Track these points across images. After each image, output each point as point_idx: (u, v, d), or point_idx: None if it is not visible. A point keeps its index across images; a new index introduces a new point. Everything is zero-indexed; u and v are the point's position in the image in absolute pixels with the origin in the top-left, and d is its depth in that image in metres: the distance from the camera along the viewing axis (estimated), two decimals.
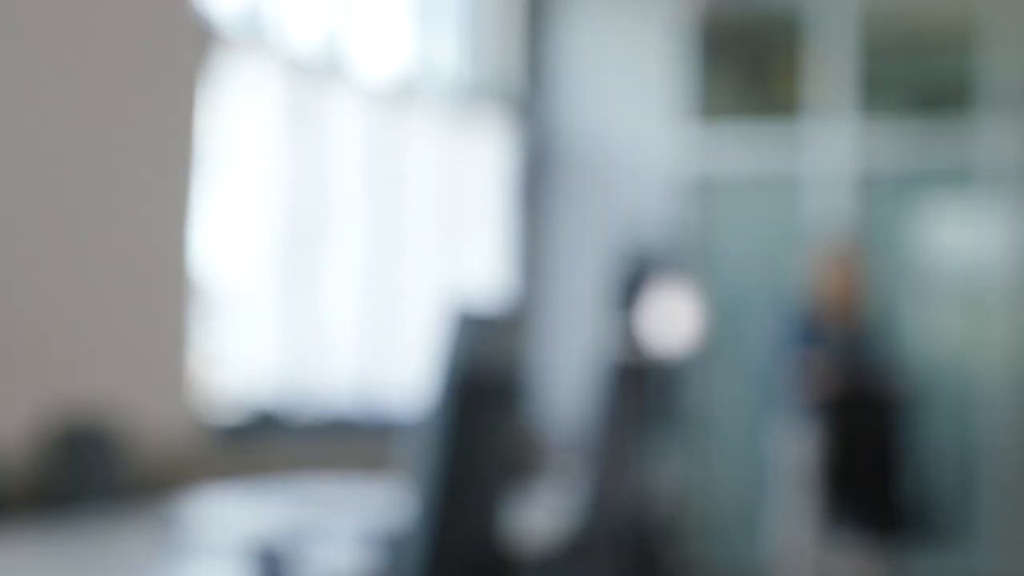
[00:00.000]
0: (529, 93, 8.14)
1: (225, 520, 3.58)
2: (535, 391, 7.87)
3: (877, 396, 6.52)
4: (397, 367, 6.78)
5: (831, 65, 7.89)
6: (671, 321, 7.48)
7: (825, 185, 7.86)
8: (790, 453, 6.78)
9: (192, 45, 5.30)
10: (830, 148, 7.86)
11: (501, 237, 7.96)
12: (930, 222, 7.85)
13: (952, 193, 7.91)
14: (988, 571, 7.45)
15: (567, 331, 8.05)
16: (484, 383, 2.44)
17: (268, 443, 5.74)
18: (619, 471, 3.56)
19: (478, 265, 7.73)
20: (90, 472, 4.52)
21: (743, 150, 8.04)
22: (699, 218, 8.06)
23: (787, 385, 6.73)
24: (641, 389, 3.58)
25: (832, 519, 6.40)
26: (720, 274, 8.05)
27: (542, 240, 8.19)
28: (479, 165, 7.74)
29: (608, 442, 3.46)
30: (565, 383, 7.75)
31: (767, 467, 7.91)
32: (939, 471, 7.14)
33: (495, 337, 2.49)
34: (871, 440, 6.40)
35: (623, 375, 3.47)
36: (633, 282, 7.52)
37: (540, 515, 3.65)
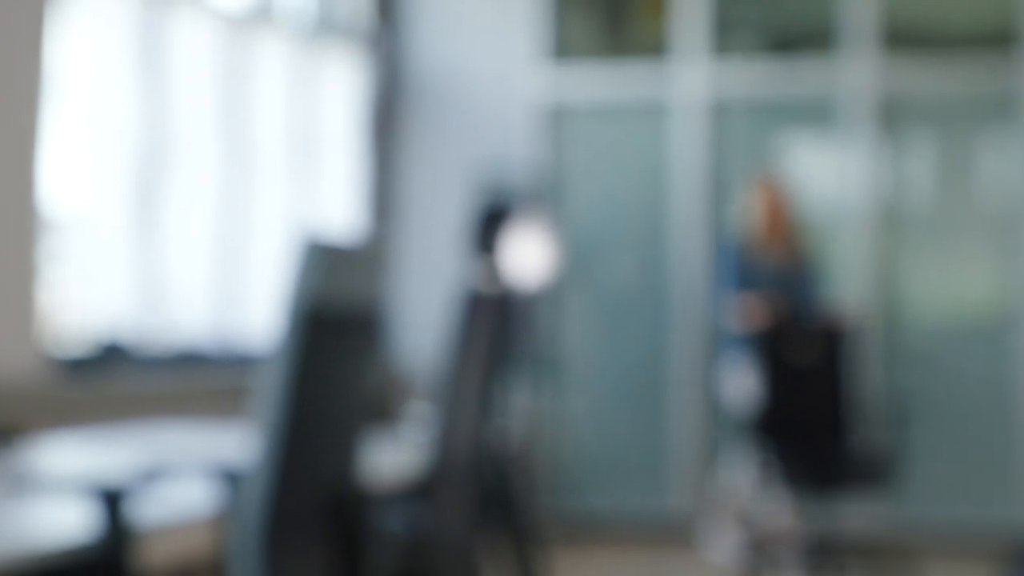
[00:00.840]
0: (380, 26, 8.02)
1: (69, 459, 3.49)
2: (393, 328, 7.81)
3: (816, 329, 6.45)
4: (250, 299, 6.67)
5: (690, 5, 7.88)
6: (528, 254, 7.46)
7: (682, 122, 7.87)
8: (731, 392, 6.79)
9: None
10: (688, 87, 7.86)
11: (354, 171, 7.86)
12: (788, 160, 7.90)
13: (810, 131, 7.97)
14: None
15: (423, 267, 7.99)
16: (336, 317, 2.38)
17: (118, 377, 5.62)
18: (472, 406, 3.52)
19: (331, 198, 7.63)
20: None
21: (599, 87, 8.02)
22: (554, 153, 8.04)
23: (726, 323, 6.73)
24: (496, 322, 3.54)
25: (764, 460, 6.30)
26: (579, 209, 8.04)
27: (396, 175, 8.11)
28: (332, 97, 7.63)
29: (461, 376, 3.42)
30: (423, 319, 7.69)
31: (627, 399, 7.95)
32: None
33: (347, 270, 2.43)
34: (810, 376, 6.29)
35: (478, 307, 3.42)
36: (490, 217, 7.48)
37: (396, 453, 3.60)
